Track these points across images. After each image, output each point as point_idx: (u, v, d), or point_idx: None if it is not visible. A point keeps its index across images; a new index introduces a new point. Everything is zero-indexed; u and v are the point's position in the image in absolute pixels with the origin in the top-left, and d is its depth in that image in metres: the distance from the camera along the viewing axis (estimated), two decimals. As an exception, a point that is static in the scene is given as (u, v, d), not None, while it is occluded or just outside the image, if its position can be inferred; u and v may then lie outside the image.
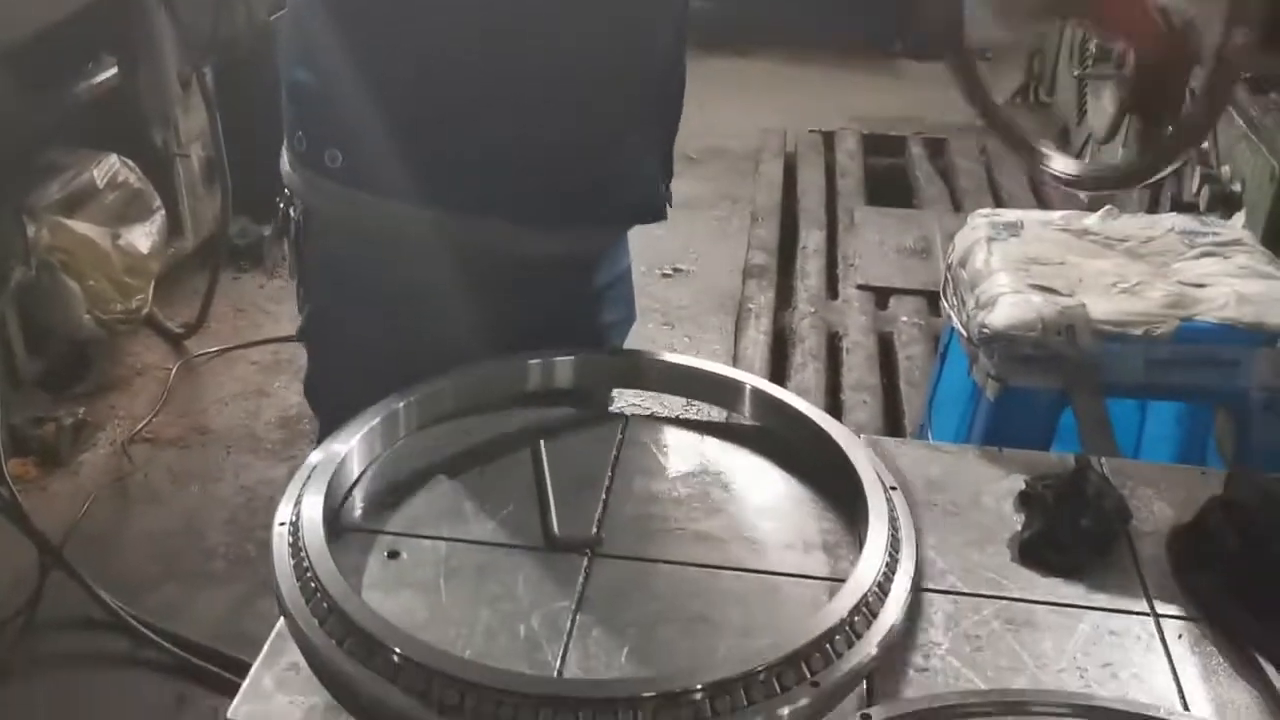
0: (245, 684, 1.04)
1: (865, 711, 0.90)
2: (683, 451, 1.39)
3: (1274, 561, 1.15)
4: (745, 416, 1.43)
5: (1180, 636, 1.13)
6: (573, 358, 1.44)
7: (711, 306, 4.05)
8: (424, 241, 1.42)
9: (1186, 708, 1.05)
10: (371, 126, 1.39)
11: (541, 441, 1.37)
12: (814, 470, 1.33)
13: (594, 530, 1.24)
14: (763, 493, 1.32)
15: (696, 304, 4.07)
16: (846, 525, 1.26)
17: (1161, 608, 1.17)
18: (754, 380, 1.42)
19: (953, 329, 2.01)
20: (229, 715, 1.01)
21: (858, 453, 1.29)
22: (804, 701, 1.01)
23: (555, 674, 1.06)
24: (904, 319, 3.27)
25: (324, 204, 1.47)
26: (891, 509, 1.21)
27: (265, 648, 1.08)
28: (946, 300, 1.98)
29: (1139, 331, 1.73)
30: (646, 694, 0.97)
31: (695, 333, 3.88)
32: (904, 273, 3.62)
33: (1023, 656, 1.10)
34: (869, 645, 1.05)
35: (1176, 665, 1.10)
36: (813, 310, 3.43)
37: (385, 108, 1.38)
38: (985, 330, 1.78)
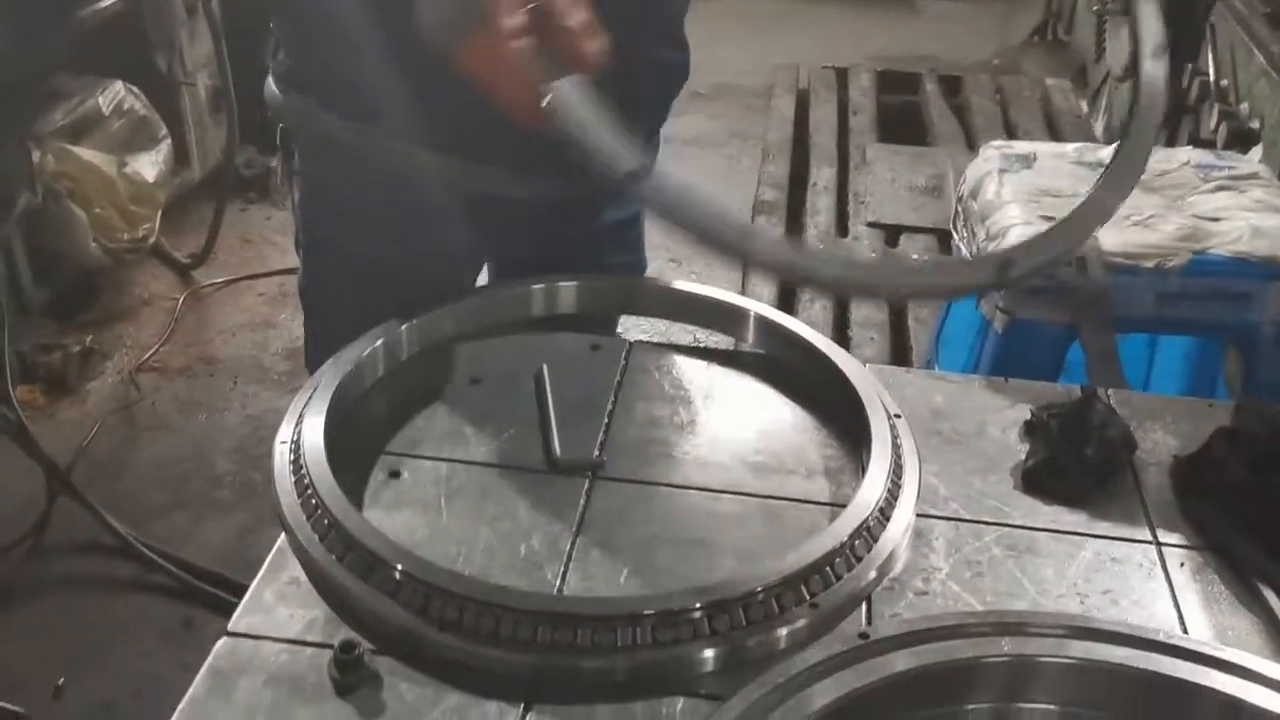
0: (246, 597, 1.05)
1: (864, 630, 0.89)
2: (686, 377, 1.38)
3: (1277, 490, 1.14)
4: (750, 344, 1.41)
5: (1182, 565, 1.13)
6: (577, 283, 1.43)
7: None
8: (410, 173, 1.40)
9: (1186, 633, 1.04)
10: (361, 57, 1.35)
11: (544, 366, 1.36)
12: (818, 397, 1.33)
13: (595, 453, 1.24)
14: (766, 419, 1.31)
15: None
16: (849, 452, 1.25)
17: (1164, 536, 1.17)
18: (759, 307, 1.41)
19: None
20: (229, 628, 1.02)
21: (862, 379, 1.28)
22: (802, 622, 1.01)
23: (555, 592, 1.06)
24: (914, 256, 3.25)
25: (301, 125, 1.46)
26: (894, 435, 1.20)
27: (266, 563, 1.09)
28: (956, 233, 1.96)
29: (1150, 264, 1.71)
30: (646, 611, 0.97)
31: (703, 269, 3.85)
32: (915, 210, 3.58)
33: (1023, 582, 1.10)
34: (869, 569, 1.05)
35: (1178, 593, 1.09)
36: (822, 247, 3.40)
37: (375, 38, 1.35)
38: (994, 261, 1.76)
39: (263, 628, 1.01)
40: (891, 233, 3.46)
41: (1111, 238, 1.76)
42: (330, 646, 0.97)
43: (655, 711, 0.94)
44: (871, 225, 3.48)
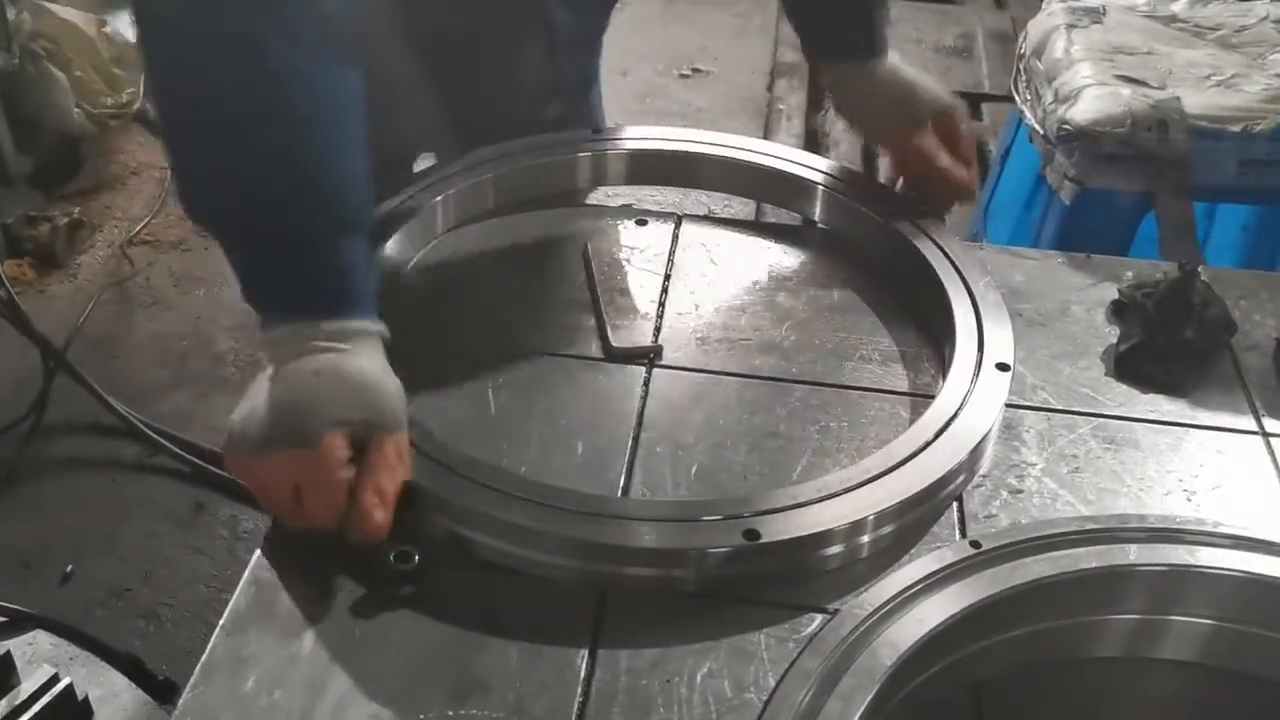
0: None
1: (975, 540, 0.81)
2: (742, 255, 1.27)
3: (1399, 379, 1.05)
4: (816, 218, 1.30)
5: (1293, 458, 1.04)
6: (629, 151, 1.30)
7: (733, 108, 3.85)
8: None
9: (1304, 535, 0.96)
10: None
11: (588, 244, 1.25)
12: (887, 276, 1.22)
13: (652, 339, 1.13)
14: (831, 300, 1.21)
15: (716, 106, 3.87)
16: (926, 336, 1.15)
17: (1271, 425, 1.08)
18: (824, 177, 1.28)
19: (1019, 127, 1.86)
20: (266, 534, 0.93)
21: (940, 255, 1.18)
22: (889, 528, 0.92)
23: (619, 494, 0.97)
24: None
25: None
26: (979, 318, 1.10)
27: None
28: (1018, 94, 1.82)
29: (1237, 128, 1.58)
30: (718, 516, 0.88)
31: (708, 125, 3.70)
32: (943, 73, 3.41)
33: (1123, 478, 1.02)
34: (959, 468, 0.96)
35: (1291, 489, 1.01)
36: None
37: None
38: (1066, 127, 1.63)
39: (303, 535, 0.92)
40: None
41: (1194, 99, 1.63)
42: (379, 554, 0.89)
43: (750, 622, 0.86)
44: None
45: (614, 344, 1.12)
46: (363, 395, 0.89)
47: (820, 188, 1.26)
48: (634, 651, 0.85)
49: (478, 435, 1.01)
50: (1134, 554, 0.81)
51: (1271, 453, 1.05)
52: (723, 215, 1.40)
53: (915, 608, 0.76)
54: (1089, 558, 0.80)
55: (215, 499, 2.40)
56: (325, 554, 0.90)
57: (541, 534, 0.88)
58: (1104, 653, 0.83)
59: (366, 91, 0.94)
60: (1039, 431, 1.06)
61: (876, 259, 1.24)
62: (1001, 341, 1.07)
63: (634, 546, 0.88)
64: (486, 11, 1.20)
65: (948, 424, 0.98)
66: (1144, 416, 1.08)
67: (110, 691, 1.13)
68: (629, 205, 1.38)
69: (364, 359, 0.90)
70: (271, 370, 0.89)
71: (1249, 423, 1.08)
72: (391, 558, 0.88)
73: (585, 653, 0.84)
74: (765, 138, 3.18)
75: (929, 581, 0.78)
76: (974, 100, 3.13)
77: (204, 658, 0.84)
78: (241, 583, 0.89)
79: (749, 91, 3.88)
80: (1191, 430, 1.07)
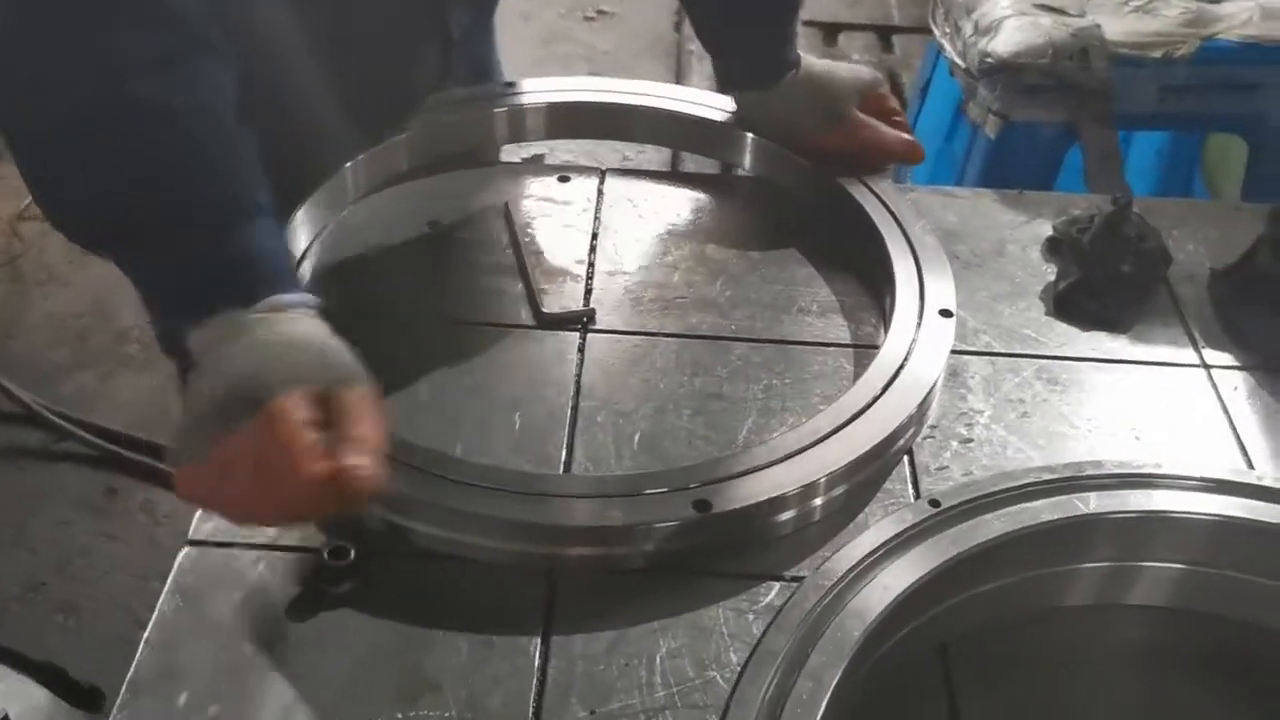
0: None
1: (934, 499, 0.79)
2: (670, 208, 1.23)
3: (1334, 303, 1.05)
4: (742, 164, 1.26)
5: (1235, 389, 1.04)
6: (547, 104, 1.24)
7: (640, 50, 3.78)
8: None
9: (1251, 466, 0.96)
10: None
11: (508, 205, 1.19)
12: (819, 223, 1.19)
13: (584, 303, 1.09)
14: (764, 252, 1.17)
15: (624, 49, 3.79)
16: (864, 284, 1.13)
17: (1212, 357, 1.07)
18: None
19: (937, 60, 1.83)
20: (190, 535, 0.87)
21: (873, 199, 1.15)
22: (841, 489, 0.89)
23: (562, 469, 0.93)
24: (855, 56, 3.06)
25: None
26: (918, 263, 1.08)
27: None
28: (937, 27, 1.79)
29: (1158, 53, 1.57)
30: (666, 488, 0.85)
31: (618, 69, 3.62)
32: (850, 5, 3.37)
33: (1072, 420, 1.00)
34: (910, 421, 0.94)
35: (1235, 422, 1.01)
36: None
37: None
38: (988, 59, 1.61)
39: (231, 533, 0.86)
40: (829, 31, 3.25)
41: (1113, 26, 1.61)
42: (312, 550, 0.84)
43: (706, 596, 0.83)
44: (807, 24, 3.25)
45: (544, 310, 1.07)
46: (315, 353, 0.80)
47: (749, 135, 1.22)
48: (589, 635, 0.81)
49: (407, 416, 0.96)
50: (1094, 502, 0.79)
51: (1214, 385, 1.05)
52: (643, 167, 1.35)
53: (879, 574, 0.74)
54: (1050, 510, 0.78)
55: (128, 483, 2.30)
56: (255, 554, 0.85)
57: (483, 518, 0.84)
58: (1073, 602, 0.82)
59: (248, 81, 0.87)
60: (984, 377, 1.04)
61: (807, 206, 1.20)
62: (943, 287, 1.05)
63: (580, 526, 0.84)
64: (380, 11, 1.12)
65: (895, 376, 0.95)
66: (1087, 355, 1.07)
67: (32, 705, 1.06)
68: (546, 161, 1.33)
69: (306, 324, 0.83)
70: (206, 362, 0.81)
71: (1190, 355, 1.08)
72: (326, 554, 0.83)
73: (538, 640, 0.81)
74: (677, 80, 3.13)
75: (890, 545, 0.76)
76: (884, 32, 3.11)
77: (130, 674, 0.78)
78: (165, 590, 0.84)
79: (655, 33, 3.81)
80: (1134, 367, 1.06)
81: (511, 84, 1.27)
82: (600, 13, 3.95)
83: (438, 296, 1.09)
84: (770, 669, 0.68)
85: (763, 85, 1.18)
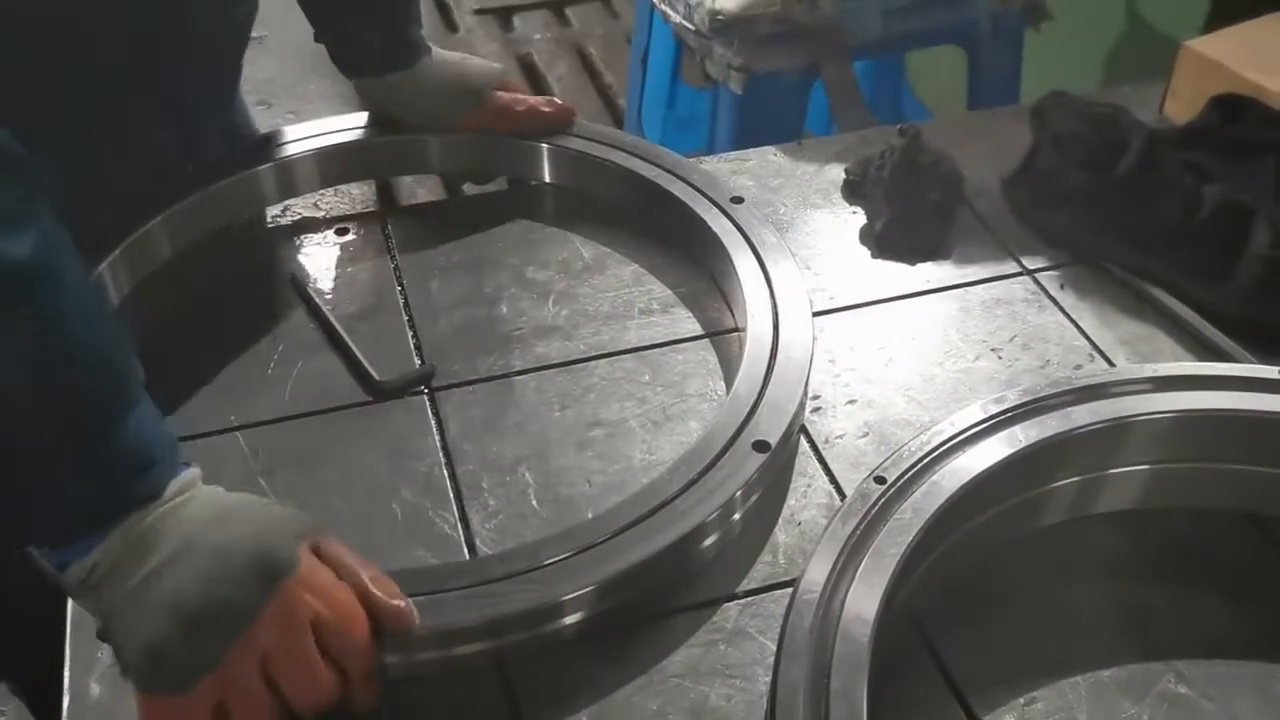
0: (67, 699, 0.75)
1: (879, 474, 0.76)
2: (467, 239, 1.14)
3: (1120, 182, 1.10)
4: (523, 175, 1.19)
5: (1062, 287, 1.08)
6: (316, 150, 1.13)
7: (304, 72, 3.58)
8: None
9: (1107, 359, 1.00)
10: None
11: (293, 272, 1.08)
12: (623, 219, 1.14)
13: (418, 361, 0.99)
14: (578, 260, 1.11)
15: (287, 73, 3.58)
16: (694, 269, 1.09)
17: (1029, 262, 1.11)
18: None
19: (651, 26, 1.81)
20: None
21: (673, 180, 1.11)
22: (757, 493, 0.85)
23: (466, 550, 0.84)
24: (536, 36, 3.01)
25: None
26: (746, 234, 1.05)
27: (68, 640, 0.78)
28: (656, -3, 1.77)
29: (873, -18, 1.62)
30: (593, 541, 0.78)
31: (299, 106, 3.42)
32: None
33: (935, 354, 1.01)
34: (795, 394, 0.90)
35: (1075, 318, 1.04)
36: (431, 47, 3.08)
37: None
38: (719, 18, 1.60)
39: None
40: (503, 15, 3.18)
41: (824, -36, 1.64)
42: None
43: (669, 639, 0.77)
44: (480, 13, 3.17)
45: (379, 379, 0.97)
46: (271, 507, 0.71)
47: (523, 144, 1.15)
48: (568, 720, 0.74)
49: (272, 537, 0.84)
50: (1020, 434, 0.79)
51: (1043, 287, 1.08)
52: (411, 202, 1.26)
53: (859, 570, 0.70)
54: (987, 453, 0.78)
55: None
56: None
57: (404, 635, 0.74)
58: (1045, 522, 0.83)
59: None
60: (838, 334, 1.03)
61: (604, 203, 1.15)
62: (778, 252, 1.02)
63: (521, 611, 0.76)
64: (92, 82, 0.96)
65: (772, 357, 0.92)
66: (924, 288, 1.08)
67: None
68: (305, 216, 1.20)
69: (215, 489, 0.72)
70: (123, 585, 0.66)
71: (1011, 266, 1.11)
72: (246, 727, 0.71)
73: (514, 743, 0.73)
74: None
75: (858, 536, 0.72)
76: (557, 8, 3.08)
77: None
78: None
79: (315, 52, 3.61)
80: (966, 289, 1.08)
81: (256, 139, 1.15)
82: (251, 39, 3.70)
83: (252, 393, 0.96)
84: (796, 699, 0.64)
85: (396, 69, 1.13)
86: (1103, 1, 1.93)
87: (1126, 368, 0.95)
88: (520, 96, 1.16)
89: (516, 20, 3.18)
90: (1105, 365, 0.99)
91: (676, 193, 1.10)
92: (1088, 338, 1.02)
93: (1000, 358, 1.01)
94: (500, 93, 1.15)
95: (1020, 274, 1.10)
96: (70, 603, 0.79)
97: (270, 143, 1.14)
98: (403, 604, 0.71)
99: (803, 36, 1.61)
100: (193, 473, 0.71)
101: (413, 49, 1.14)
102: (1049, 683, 0.75)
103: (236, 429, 0.92)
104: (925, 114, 2.11)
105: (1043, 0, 1.76)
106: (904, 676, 0.74)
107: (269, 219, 1.18)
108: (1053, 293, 1.07)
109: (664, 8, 1.71)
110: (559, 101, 1.18)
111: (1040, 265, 1.11)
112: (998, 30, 1.71)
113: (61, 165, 0.81)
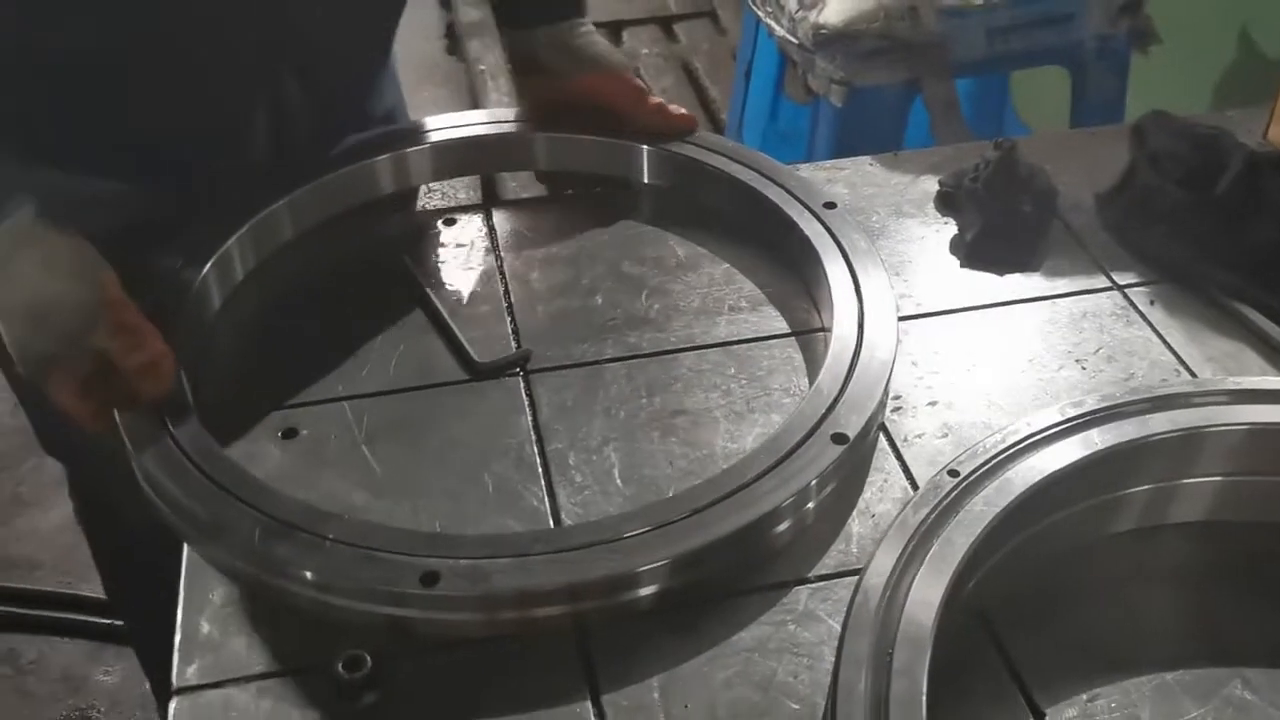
0: (179, 637, 0.81)
1: (953, 468, 0.78)
2: (564, 233, 1.19)
3: (1218, 202, 1.11)
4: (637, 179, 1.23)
5: (1152, 303, 1.09)
6: (429, 146, 1.19)
7: (418, 80, 3.69)
8: None
9: (1193, 374, 1.00)
10: None
11: (406, 257, 1.13)
12: (716, 220, 1.17)
13: (515, 344, 1.04)
14: (672, 257, 1.15)
15: (401, 81, 3.70)
16: (784, 270, 1.12)
17: (1120, 278, 1.12)
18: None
19: (757, 40, 1.85)
20: (175, 684, 0.78)
21: (768, 185, 1.14)
22: (832, 484, 0.88)
23: (552, 521, 0.88)
24: (644, 51, 3.07)
25: None
26: (836, 236, 1.08)
27: (181, 588, 0.84)
28: (757, 8, 1.81)
29: (979, 1, 1.63)
30: (670, 519, 0.82)
31: (412, 115, 3.54)
32: (629, 3, 3.38)
33: (1019, 362, 1.02)
34: (883, 396, 0.93)
35: (1163, 334, 1.05)
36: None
37: None
38: (823, 31, 1.63)
39: (222, 669, 0.78)
40: (612, 29, 3.25)
41: (934, -19, 1.66)
42: (321, 669, 0.77)
43: (741, 617, 0.80)
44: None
45: (478, 360, 1.02)
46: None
47: (624, 144, 1.19)
48: (638, 685, 0.77)
49: (371, 500, 0.90)
50: (1096, 438, 0.80)
51: (1132, 303, 1.09)
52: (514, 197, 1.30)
53: (927, 557, 0.73)
54: (1061, 454, 0.79)
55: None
56: (254, 687, 0.77)
57: (497, 593, 0.79)
58: (1117, 529, 0.84)
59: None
60: (923, 338, 1.05)
61: (699, 204, 1.18)
62: (867, 257, 1.05)
63: (601, 577, 0.80)
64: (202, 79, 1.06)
65: (855, 355, 0.95)
66: (1011, 298, 1.10)
67: None
68: (419, 207, 1.27)
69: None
70: None
71: (1101, 280, 1.12)
72: (340, 667, 0.76)
73: (588, 704, 0.76)
74: (474, 103, 3.07)
75: (928, 525, 0.75)
76: (665, 23, 3.13)
77: None
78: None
79: (429, 59, 3.73)
80: (1055, 300, 1.10)
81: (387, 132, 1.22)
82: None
83: (360, 367, 1.02)
84: (859, 673, 0.67)
85: (553, 21, 1.19)
86: (1213, 25, 1.91)
87: (1206, 379, 0.95)
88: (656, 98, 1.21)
89: (625, 34, 3.25)
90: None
91: (771, 196, 1.13)
92: (1174, 353, 1.03)
93: (1084, 369, 1.02)
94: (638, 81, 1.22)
95: (1110, 288, 1.11)
96: (185, 548, 0.85)
97: (389, 137, 1.20)
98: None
99: (905, 52, 1.63)
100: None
101: (570, 3, 1.21)
102: (1113, 680, 0.76)
103: (344, 399, 0.98)
104: (1027, 134, 2.10)
105: (1150, 24, 1.75)
106: (967, 664, 0.76)
107: (387, 206, 1.24)
108: (1142, 308, 1.08)
109: (769, 21, 1.75)
110: (684, 110, 1.21)
111: (1131, 281, 1.11)
112: (1103, 53, 1.72)
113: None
